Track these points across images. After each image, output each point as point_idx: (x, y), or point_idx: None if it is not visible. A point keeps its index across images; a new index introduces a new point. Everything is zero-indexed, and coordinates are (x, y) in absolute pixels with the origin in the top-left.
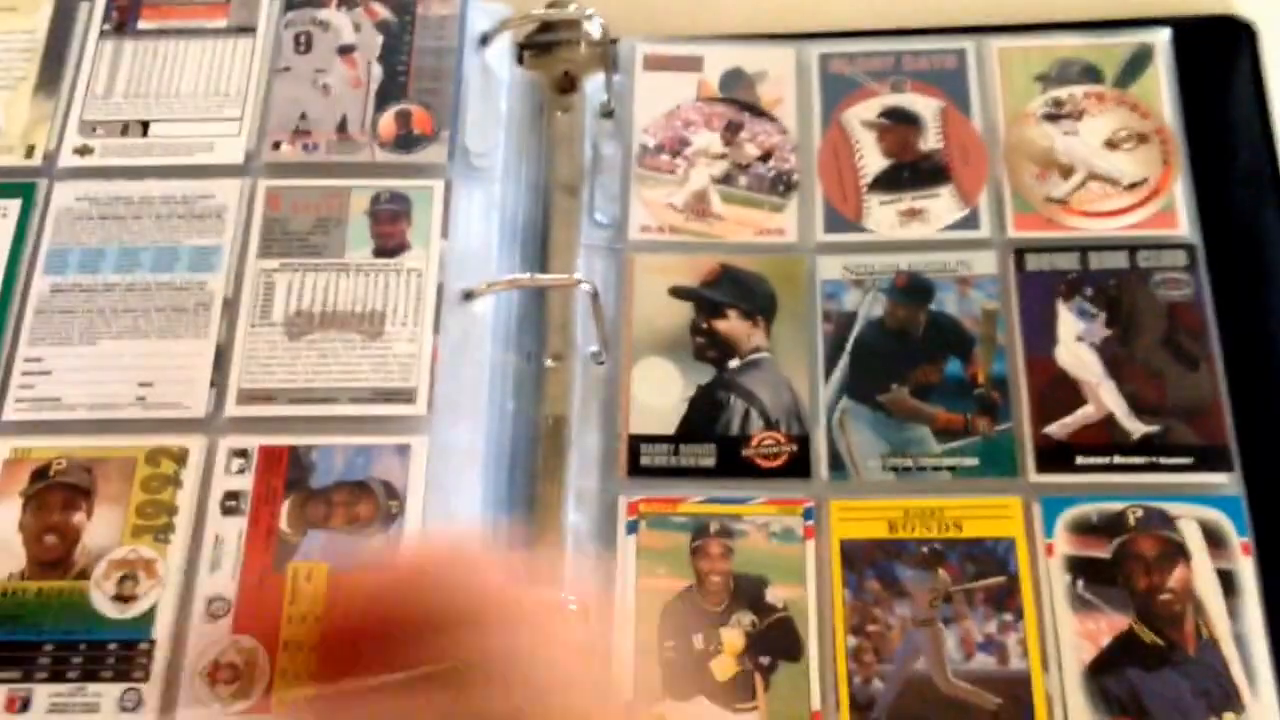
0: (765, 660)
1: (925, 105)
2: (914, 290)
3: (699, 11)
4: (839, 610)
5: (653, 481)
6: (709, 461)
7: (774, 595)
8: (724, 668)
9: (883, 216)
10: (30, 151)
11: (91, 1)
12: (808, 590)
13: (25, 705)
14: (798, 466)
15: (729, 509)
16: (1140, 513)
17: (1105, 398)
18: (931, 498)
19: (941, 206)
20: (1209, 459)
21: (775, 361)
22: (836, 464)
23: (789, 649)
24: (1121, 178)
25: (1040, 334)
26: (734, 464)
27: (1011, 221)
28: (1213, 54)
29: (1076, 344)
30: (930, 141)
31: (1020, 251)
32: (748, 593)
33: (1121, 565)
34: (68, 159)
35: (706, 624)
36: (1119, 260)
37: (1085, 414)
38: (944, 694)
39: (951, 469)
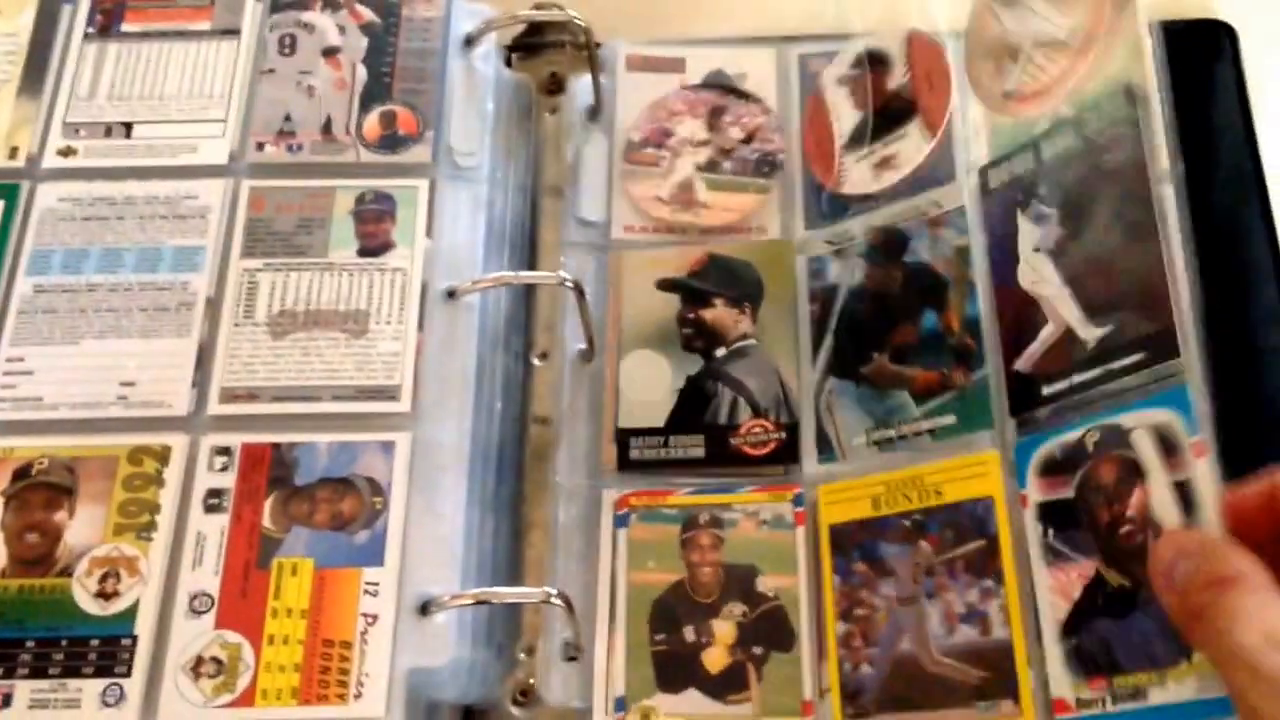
0: (757, 651)
1: (893, 38)
2: (889, 246)
3: (685, 15)
4: (829, 597)
5: (642, 475)
6: (698, 452)
7: (765, 585)
8: (716, 659)
9: (858, 175)
10: (14, 153)
11: (75, 4)
12: (799, 578)
13: (7, 701)
14: (786, 453)
15: (719, 498)
16: (1097, 435)
17: (1062, 309)
18: (911, 466)
19: (910, 146)
20: (1159, 347)
21: (762, 348)
22: (824, 447)
23: (781, 639)
24: (1060, 32)
25: (1006, 258)
26: (723, 453)
27: (981, 142)
28: (1195, 57)
29: (1034, 255)
30: (898, 77)
31: (984, 170)
32: (739, 583)
33: (1083, 501)
34: (51, 160)
35: (698, 616)
36: (1068, 140)
37: (1047, 335)
38: (929, 673)
39: (931, 431)
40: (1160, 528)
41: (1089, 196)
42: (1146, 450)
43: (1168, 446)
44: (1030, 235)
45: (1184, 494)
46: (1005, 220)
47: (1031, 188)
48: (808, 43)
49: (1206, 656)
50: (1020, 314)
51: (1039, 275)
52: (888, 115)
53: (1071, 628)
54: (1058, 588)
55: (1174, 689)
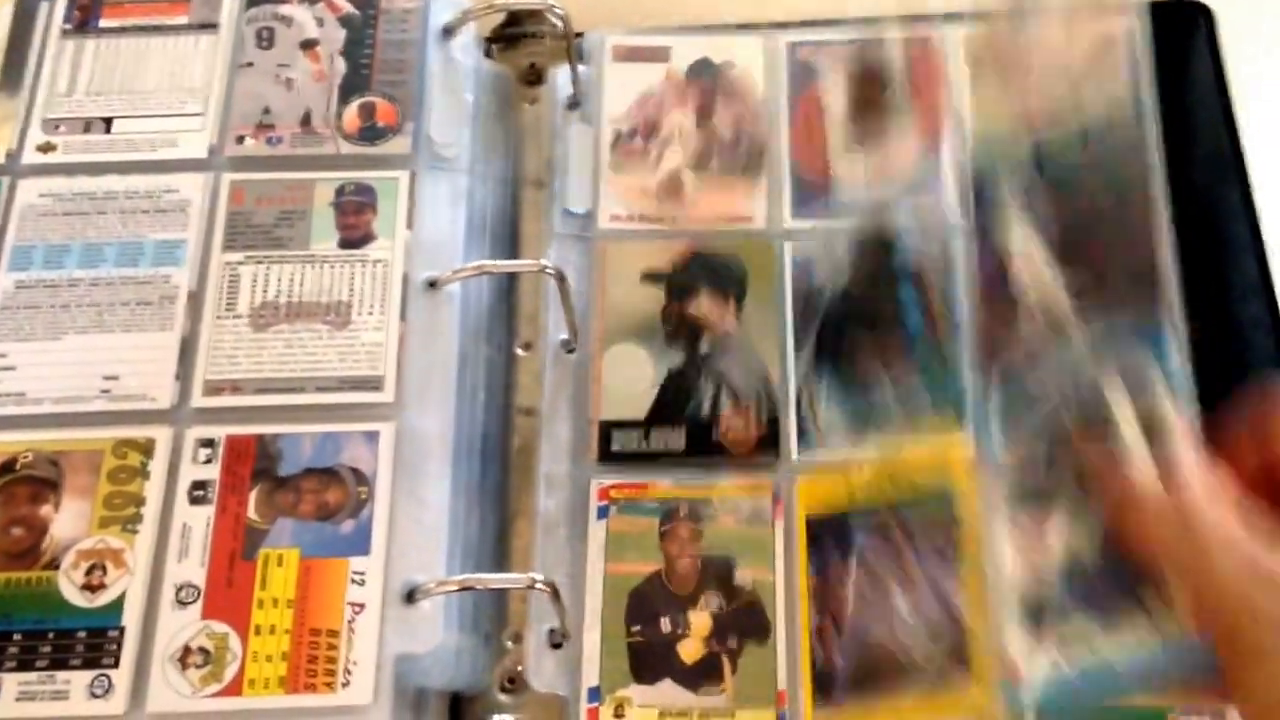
0: (733, 643)
1: (890, 41)
2: (877, 249)
3: (668, 5)
4: (804, 589)
5: (623, 466)
6: (679, 444)
7: (742, 576)
8: (691, 651)
9: (850, 176)
10: None
11: (52, 1)
12: (775, 570)
13: None
14: (766, 446)
15: (698, 491)
16: (1072, 406)
17: (1053, 305)
18: (887, 455)
19: (905, 146)
20: (1140, 304)
21: (746, 342)
22: (805, 441)
23: (756, 630)
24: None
25: (994, 263)
26: (703, 446)
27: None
28: (1172, 37)
29: (1024, 240)
30: (893, 81)
31: (978, 179)
32: (716, 574)
33: (1055, 472)
34: (31, 156)
35: (674, 608)
36: (1072, 155)
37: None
38: (897, 658)
39: (908, 417)
40: (1129, 459)
41: (1088, 190)
42: (1116, 392)
43: (1138, 388)
44: (1023, 240)
45: (1151, 428)
46: (991, 203)
47: (1030, 197)
48: (796, 30)
49: (1193, 614)
50: (999, 291)
51: (1031, 280)
52: (883, 119)
53: (1033, 599)
54: (1023, 562)
55: (1134, 645)
